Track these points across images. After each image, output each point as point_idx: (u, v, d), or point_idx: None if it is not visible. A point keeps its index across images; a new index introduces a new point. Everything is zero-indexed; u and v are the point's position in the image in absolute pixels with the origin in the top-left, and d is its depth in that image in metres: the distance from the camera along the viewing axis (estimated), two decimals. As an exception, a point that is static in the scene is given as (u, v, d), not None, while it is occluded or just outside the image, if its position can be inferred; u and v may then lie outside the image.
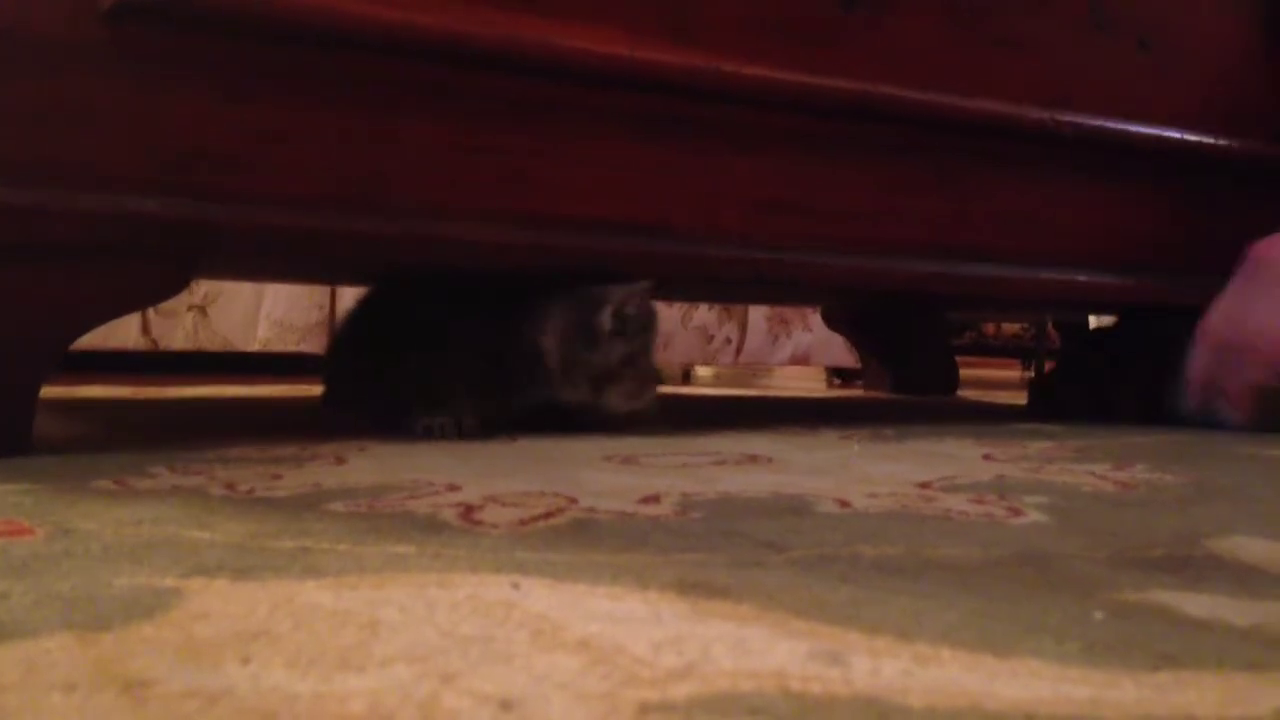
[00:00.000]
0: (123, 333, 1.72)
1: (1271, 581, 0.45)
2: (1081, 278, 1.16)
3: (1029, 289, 1.15)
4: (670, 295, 1.96)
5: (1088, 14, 1.12)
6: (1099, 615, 0.38)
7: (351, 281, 1.76)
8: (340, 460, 0.73)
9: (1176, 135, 1.17)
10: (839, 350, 2.39)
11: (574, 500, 0.60)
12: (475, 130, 0.85)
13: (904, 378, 1.81)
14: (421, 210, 0.83)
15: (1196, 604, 0.40)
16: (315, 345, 1.88)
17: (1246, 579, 0.45)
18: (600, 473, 0.72)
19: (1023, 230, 1.11)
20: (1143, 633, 0.36)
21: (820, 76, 0.98)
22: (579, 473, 0.71)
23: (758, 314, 2.37)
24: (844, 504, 0.61)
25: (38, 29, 0.70)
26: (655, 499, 0.61)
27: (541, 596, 0.38)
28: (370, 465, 0.71)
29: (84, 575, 0.40)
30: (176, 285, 0.75)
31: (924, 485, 0.70)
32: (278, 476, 0.65)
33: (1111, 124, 1.13)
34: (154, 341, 1.77)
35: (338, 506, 0.56)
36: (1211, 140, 1.19)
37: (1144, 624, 0.37)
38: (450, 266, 0.89)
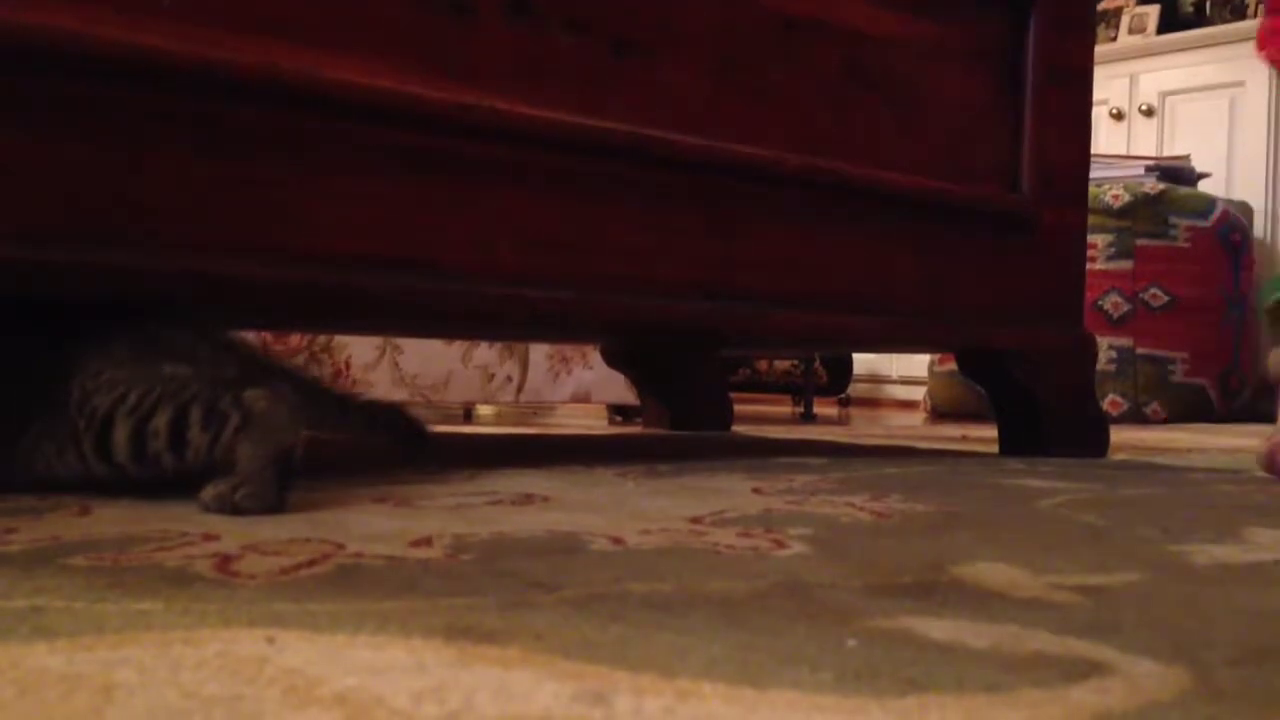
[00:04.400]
0: None
1: (1010, 605, 0.48)
2: (841, 318, 1.22)
3: (794, 328, 1.19)
4: (447, 333, 1.94)
5: (840, 71, 1.18)
6: (851, 643, 0.40)
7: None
8: (85, 510, 0.69)
9: (921, 184, 1.24)
10: (620, 388, 2.42)
11: (340, 546, 0.58)
12: (231, 162, 0.82)
13: (682, 414, 1.84)
14: (171, 244, 0.79)
15: (941, 628, 0.42)
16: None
17: (987, 603, 0.48)
18: (371, 516, 0.70)
19: (787, 272, 1.16)
20: (891, 659, 0.38)
21: (593, 118, 0.99)
22: (348, 516, 0.69)
23: (539, 352, 2.38)
24: (617, 541, 0.62)
25: None
26: (427, 541, 0.60)
27: (298, 650, 0.37)
28: (119, 514, 0.67)
29: None
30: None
31: (695, 520, 0.71)
32: (12, 530, 0.60)
33: (861, 172, 1.19)
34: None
35: (77, 561, 0.52)
36: (954, 188, 1.27)
37: (893, 650, 0.39)
38: (205, 301, 0.85)
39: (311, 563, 0.53)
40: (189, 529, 0.62)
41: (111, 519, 0.65)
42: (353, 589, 0.47)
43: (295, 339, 2.01)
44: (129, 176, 0.78)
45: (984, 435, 1.56)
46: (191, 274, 0.81)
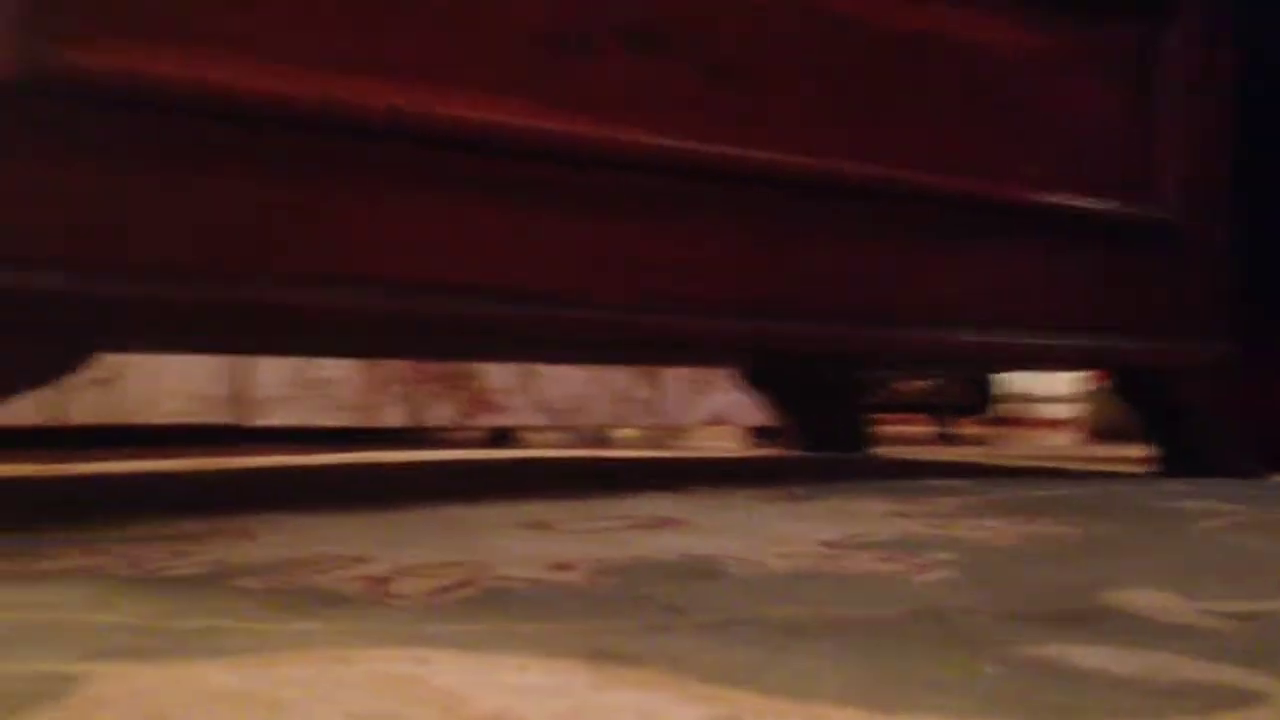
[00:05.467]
0: (20, 408, 1.68)
1: (1160, 632, 0.47)
2: (976, 337, 1.20)
3: (931, 348, 1.18)
4: (587, 360, 1.97)
5: (959, 86, 1.16)
6: (991, 670, 0.39)
7: (247, 351, 1.75)
8: (249, 535, 0.72)
9: (1049, 198, 1.21)
10: (757, 410, 2.42)
11: (486, 569, 0.60)
12: (318, 192, 0.85)
13: (820, 436, 1.83)
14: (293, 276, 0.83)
15: (1087, 656, 0.42)
16: (225, 416, 1.85)
17: (1136, 630, 0.47)
18: (513, 540, 0.72)
19: (925, 291, 1.15)
20: (1034, 686, 0.37)
21: (712, 145, 1.00)
22: (491, 540, 0.71)
23: (676, 375, 2.40)
24: (753, 565, 0.62)
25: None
26: (568, 566, 0.61)
27: (450, 670, 0.38)
28: (278, 539, 0.71)
29: (-21, 663, 0.39)
30: (69, 365, 0.74)
31: (833, 544, 0.71)
32: (183, 554, 0.64)
33: (988, 187, 1.16)
34: (57, 416, 1.73)
35: (245, 583, 0.55)
36: (1083, 202, 1.24)
37: (1036, 677, 0.39)
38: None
39: (459, 585, 0.55)
40: (343, 552, 0.65)
41: (272, 543, 0.69)
42: (499, 611, 0.49)
43: (435, 366, 2.07)
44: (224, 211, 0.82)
45: (1139, 456, 1.51)
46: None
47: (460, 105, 0.87)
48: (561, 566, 0.61)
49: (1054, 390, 3.88)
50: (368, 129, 0.84)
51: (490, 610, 0.49)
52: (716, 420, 2.50)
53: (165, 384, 1.81)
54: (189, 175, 0.78)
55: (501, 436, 2.27)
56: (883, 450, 1.93)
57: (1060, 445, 2.57)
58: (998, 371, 3.43)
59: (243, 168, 0.80)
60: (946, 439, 2.98)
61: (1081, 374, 3.19)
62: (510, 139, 0.90)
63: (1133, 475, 1.37)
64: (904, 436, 2.97)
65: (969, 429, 3.49)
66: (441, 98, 0.86)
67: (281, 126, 0.81)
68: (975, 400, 3.39)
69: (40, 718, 0.33)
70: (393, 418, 2.01)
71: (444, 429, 2.18)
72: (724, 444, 2.62)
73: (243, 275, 0.80)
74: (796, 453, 1.84)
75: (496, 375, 2.17)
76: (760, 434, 2.64)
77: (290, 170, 0.82)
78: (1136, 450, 1.51)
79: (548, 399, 2.23)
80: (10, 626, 0.45)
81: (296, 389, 1.92)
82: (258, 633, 0.44)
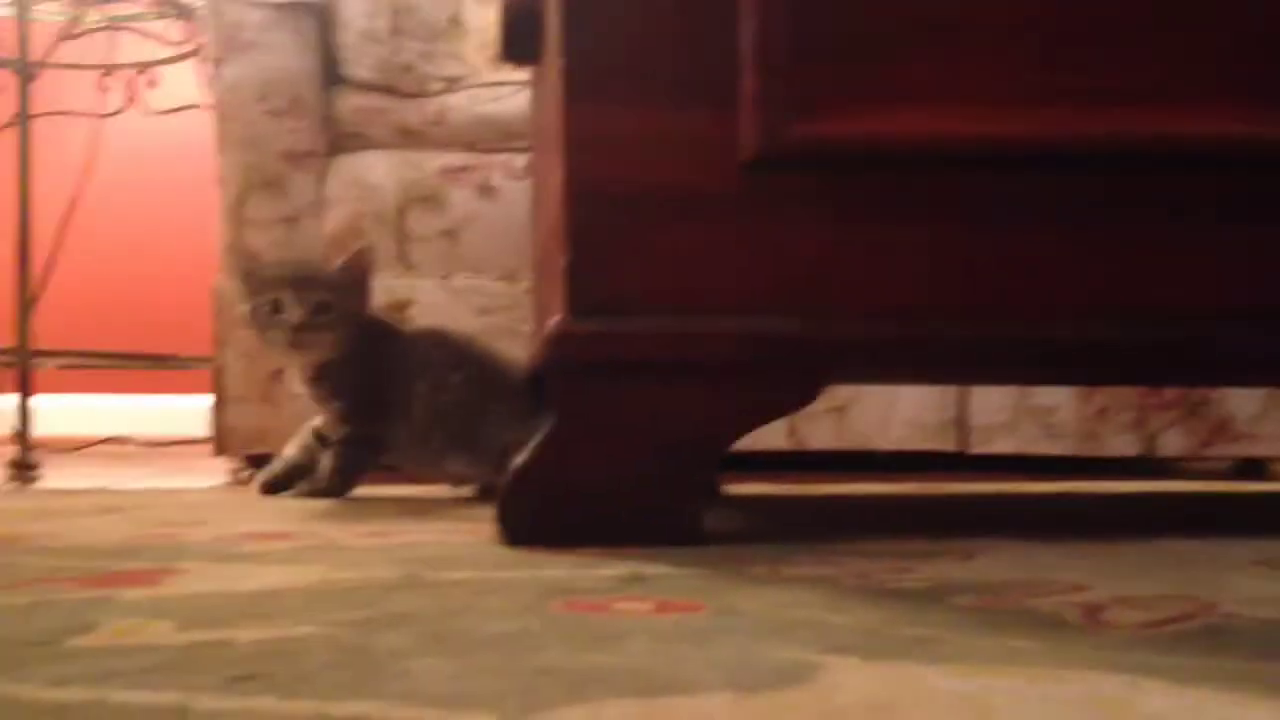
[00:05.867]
0: (771, 436, 1.89)
1: None
2: None
3: None
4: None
5: None
6: None
7: (972, 382, 1.79)
8: (967, 556, 0.76)
9: None
10: None
11: (1211, 606, 0.57)
12: (1082, 229, 0.85)
13: None
14: (1020, 311, 0.85)
15: None
16: (946, 443, 1.92)
17: None
18: (1245, 578, 0.67)
19: None
20: None
21: None
22: (1220, 576, 0.67)
23: None
24: None
25: (691, 184, 0.83)
26: (1308, 608, 0.56)
27: (1158, 699, 0.38)
28: (998, 562, 0.73)
29: (742, 646, 0.47)
30: (808, 395, 0.84)
31: None
32: (906, 570, 0.70)
33: None
34: (799, 442, 1.92)
35: (961, 600, 0.59)
36: None
37: None
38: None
39: (1178, 619, 0.54)
40: (1060, 578, 0.66)
41: (992, 565, 0.72)
42: (1219, 648, 0.47)
43: (1170, 392, 1.95)
44: (976, 256, 0.85)
45: None
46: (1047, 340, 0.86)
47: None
48: (1300, 608, 0.56)
49: None
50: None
51: (1208, 646, 0.47)
52: None
53: (893, 412, 1.93)
54: (909, 224, 0.85)
55: (1249, 468, 2.07)
56: None
57: None
58: None
59: (959, 212, 0.85)
60: None
61: None
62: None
63: None
64: None
65: None
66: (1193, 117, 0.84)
67: (995, 168, 0.85)
68: None
69: (788, 696, 0.39)
70: (1118, 446, 1.94)
71: (1179, 459, 2.05)
72: None
73: (954, 313, 0.85)
74: None
75: (1240, 401, 1.99)
76: None
77: (1002, 213, 0.85)
78: None
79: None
80: (762, 620, 0.53)
81: (1016, 416, 1.93)
82: (971, 645, 0.47)
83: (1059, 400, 1.92)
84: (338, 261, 1.30)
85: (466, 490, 1.33)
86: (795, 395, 0.85)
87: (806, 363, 0.84)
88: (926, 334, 0.85)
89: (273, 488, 1.31)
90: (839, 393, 1.90)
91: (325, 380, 1.29)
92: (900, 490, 1.49)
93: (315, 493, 1.28)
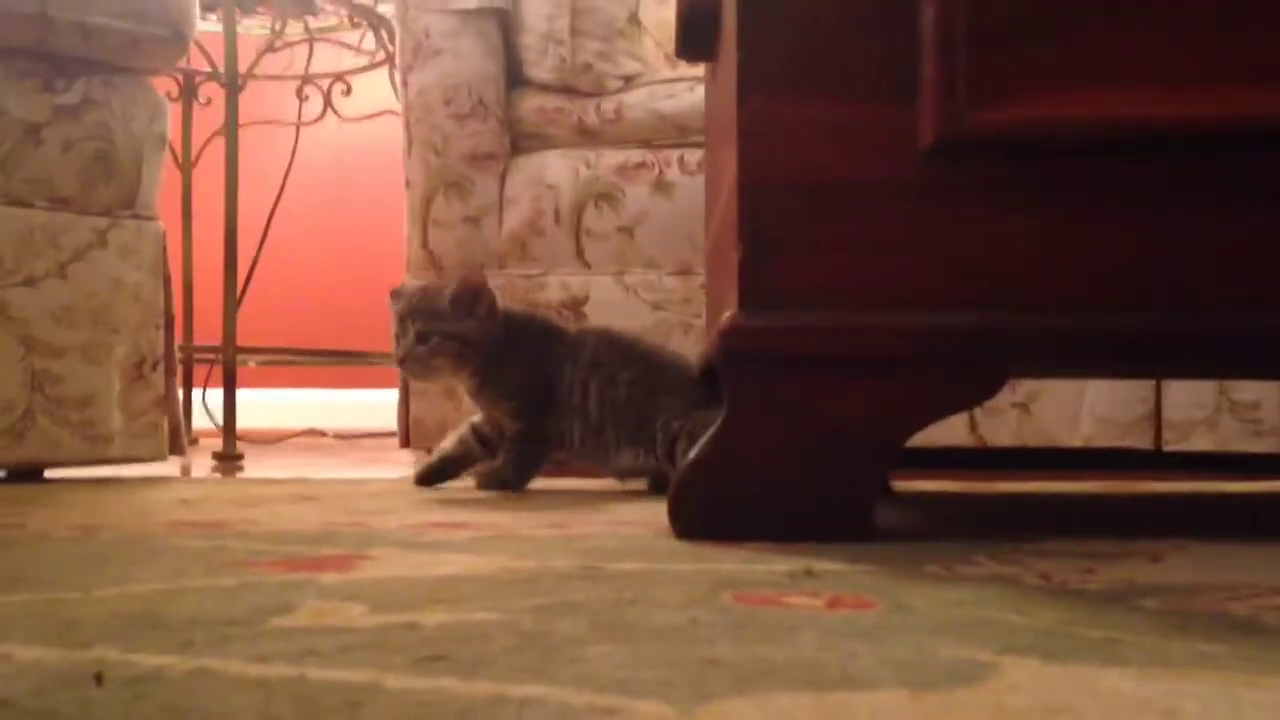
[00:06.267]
0: (951, 431, 1.85)
1: None
2: None
3: None
4: None
5: None
6: None
7: (1162, 375, 1.71)
8: (1156, 558, 0.73)
9: None
10: None
11: None
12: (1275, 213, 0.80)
13: None
14: (1211, 300, 0.81)
15: None
16: (1139, 440, 1.84)
17: None
18: None
19: None
20: None
21: None
22: None
23: None
24: None
25: (867, 176, 0.82)
26: None
27: (1364, 709, 0.36)
28: (1189, 564, 0.70)
29: (914, 644, 0.46)
30: (989, 390, 0.82)
31: None
32: (1090, 571, 0.67)
33: None
34: (980, 439, 1.87)
35: (1148, 603, 0.56)
36: None
37: None
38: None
39: (1391, 628, 0.50)
40: (1258, 581, 0.63)
41: (1182, 567, 0.69)
42: None
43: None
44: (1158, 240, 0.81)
45: None
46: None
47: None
48: None
49: None
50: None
51: None
52: None
53: (1082, 408, 1.86)
54: (1093, 211, 0.82)
55: None
56: None
57: None
58: None
59: (1145, 198, 0.81)
60: None
61: None
62: None
63: None
64: None
65: None
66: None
67: (1183, 151, 0.81)
68: None
69: (960, 695, 0.38)
70: (1330, 445, 1.82)
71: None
72: None
73: (1141, 303, 0.82)
74: None
75: None
76: None
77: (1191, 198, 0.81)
78: None
79: None
80: (937, 619, 0.52)
81: (1216, 411, 1.83)
82: (1157, 648, 0.45)
83: (1262, 395, 1.81)
84: (448, 289, 1.33)
85: (637, 484, 1.35)
86: (972, 390, 0.83)
87: (985, 357, 0.82)
88: (1112, 326, 0.82)
89: (428, 479, 1.37)
90: (1023, 387, 1.84)
91: (488, 388, 1.35)
92: (1087, 489, 1.44)
93: (493, 485, 1.33)
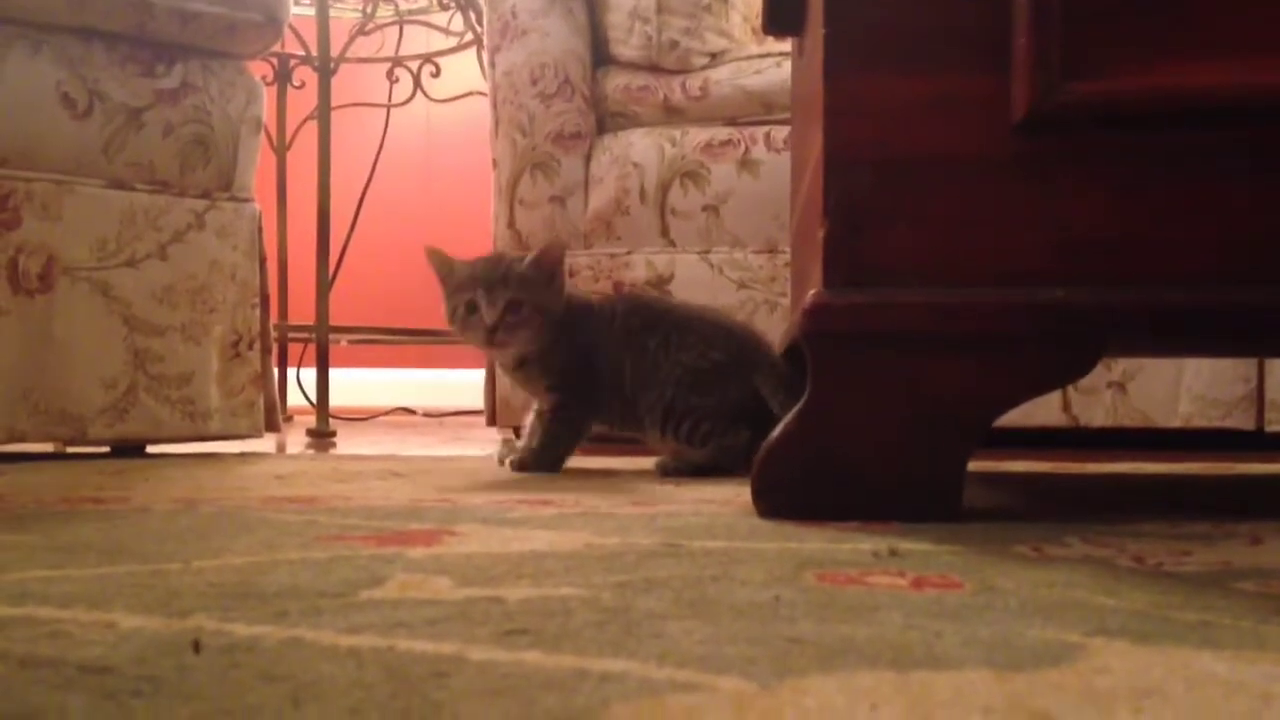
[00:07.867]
0: (1044, 410, 1.81)
1: None
2: None
3: None
4: None
5: None
6: None
7: (1268, 353, 1.65)
8: (1256, 540, 0.71)
9: None
10: None
11: None
12: None
13: None
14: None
15: None
16: (1241, 421, 1.78)
17: None
18: None
19: None
20: None
21: None
22: None
23: None
24: None
25: (956, 150, 0.81)
26: None
27: None
28: (1292, 548, 0.68)
29: (1002, 625, 0.46)
30: (1084, 367, 0.80)
31: None
32: (1186, 553, 0.66)
33: None
34: (1074, 418, 1.83)
35: (1246, 585, 0.55)
36: None
37: None
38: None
39: None
40: (1364, 568, 0.61)
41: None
42: None
43: None
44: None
45: None
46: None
47: None
48: None
49: None
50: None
51: None
52: None
53: (1180, 387, 1.81)
54: (1193, 183, 0.79)
55: None
56: None
57: None
58: None
59: (1247, 169, 0.79)
60: None
61: None
62: None
63: None
64: None
65: None
66: None
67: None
68: None
69: (1049, 676, 0.38)
70: None
71: None
72: None
73: (1246, 278, 0.79)
74: None
75: None
76: None
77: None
78: None
79: None
80: (1025, 600, 0.51)
81: (1323, 392, 1.77)
82: (1253, 631, 0.44)
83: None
84: (527, 257, 1.30)
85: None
86: (1066, 368, 0.81)
87: (1080, 333, 0.80)
88: (1214, 301, 0.79)
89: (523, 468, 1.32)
90: (1119, 366, 1.80)
91: (527, 364, 1.32)
92: (1184, 470, 1.40)
93: (523, 465, 1.29)
